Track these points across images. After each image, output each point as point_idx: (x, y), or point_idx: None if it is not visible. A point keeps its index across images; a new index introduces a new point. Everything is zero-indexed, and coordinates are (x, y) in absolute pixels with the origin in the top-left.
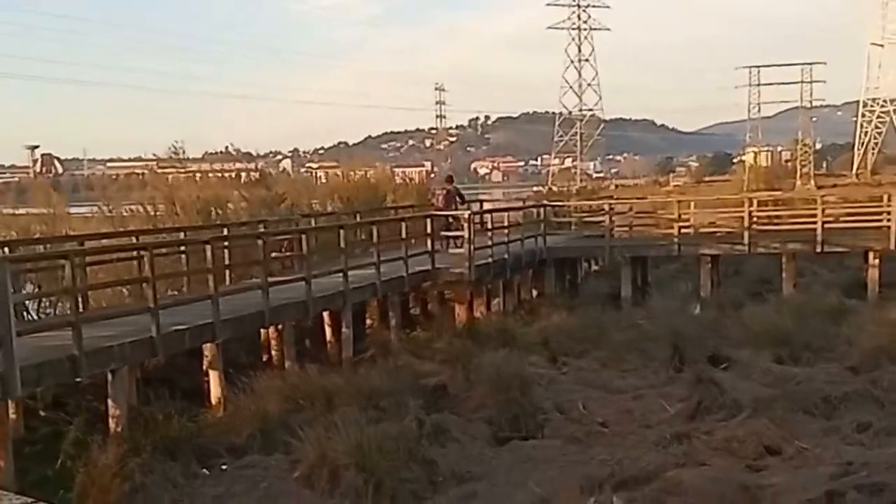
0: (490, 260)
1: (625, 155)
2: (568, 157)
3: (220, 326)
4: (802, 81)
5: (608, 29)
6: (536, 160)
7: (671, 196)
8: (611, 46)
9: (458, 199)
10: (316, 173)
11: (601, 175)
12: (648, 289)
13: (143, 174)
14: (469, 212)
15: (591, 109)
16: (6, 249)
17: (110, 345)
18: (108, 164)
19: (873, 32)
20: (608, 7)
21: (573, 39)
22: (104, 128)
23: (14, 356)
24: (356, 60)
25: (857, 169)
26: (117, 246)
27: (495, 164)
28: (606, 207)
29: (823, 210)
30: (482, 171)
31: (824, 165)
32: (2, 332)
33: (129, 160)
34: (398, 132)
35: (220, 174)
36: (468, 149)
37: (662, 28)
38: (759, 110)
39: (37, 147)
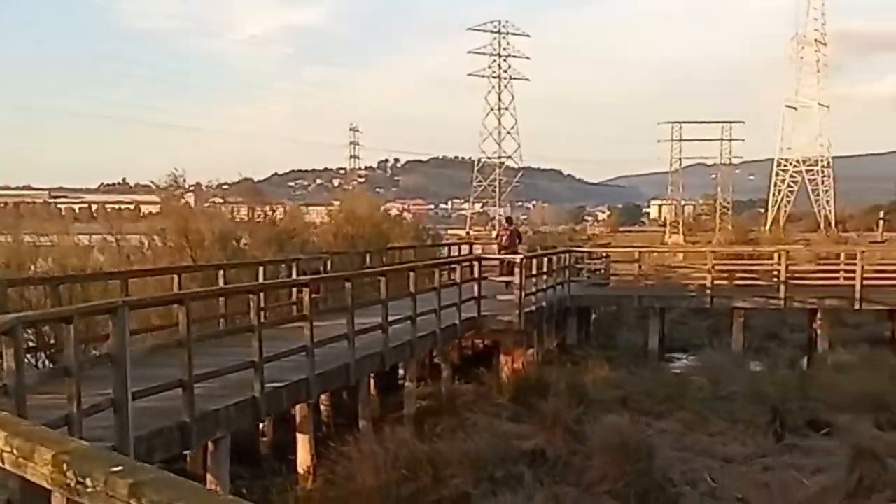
0: (533, 308)
1: (534, 202)
2: (478, 202)
3: (315, 383)
4: (722, 139)
5: (528, 79)
6: (447, 203)
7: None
8: (525, 95)
9: (518, 239)
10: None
11: None
12: (665, 341)
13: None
14: (521, 256)
15: (509, 156)
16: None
17: (216, 408)
18: None
19: (788, 96)
20: (528, 58)
21: (493, 87)
22: None
23: (130, 425)
24: (265, 97)
25: (770, 225)
26: (223, 289)
27: (405, 207)
28: (637, 255)
29: (863, 266)
30: (393, 213)
31: None
32: (118, 394)
33: (19, 188)
34: (305, 170)
35: (222, 205)
36: (377, 190)
37: (574, 81)
38: (680, 164)
39: None
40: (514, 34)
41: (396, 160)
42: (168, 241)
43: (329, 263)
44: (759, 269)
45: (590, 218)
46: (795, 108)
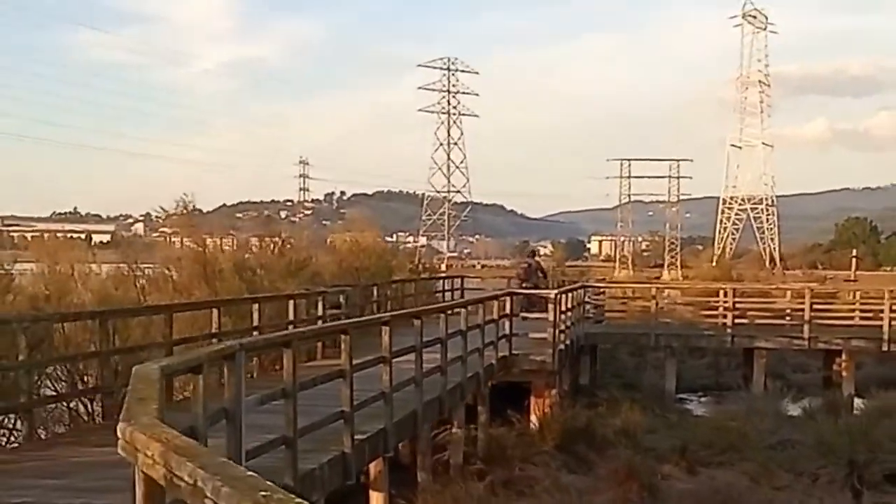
0: (563, 346)
1: (477, 237)
2: (423, 236)
3: (392, 433)
4: (670, 176)
5: (476, 115)
6: (392, 237)
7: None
8: (472, 130)
9: (540, 274)
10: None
11: (455, 255)
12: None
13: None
14: (556, 291)
15: (458, 191)
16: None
17: (313, 468)
18: None
19: (732, 135)
20: (477, 95)
21: (443, 123)
22: None
23: None
24: (216, 129)
25: (717, 262)
26: (322, 329)
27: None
28: (653, 291)
29: (891, 306)
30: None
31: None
32: (233, 455)
33: None
34: (254, 202)
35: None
36: (324, 222)
37: (516, 117)
38: (629, 200)
39: None
40: (463, 71)
41: (343, 193)
42: (183, 272)
43: (346, 297)
44: (775, 308)
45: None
46: (740, 148)
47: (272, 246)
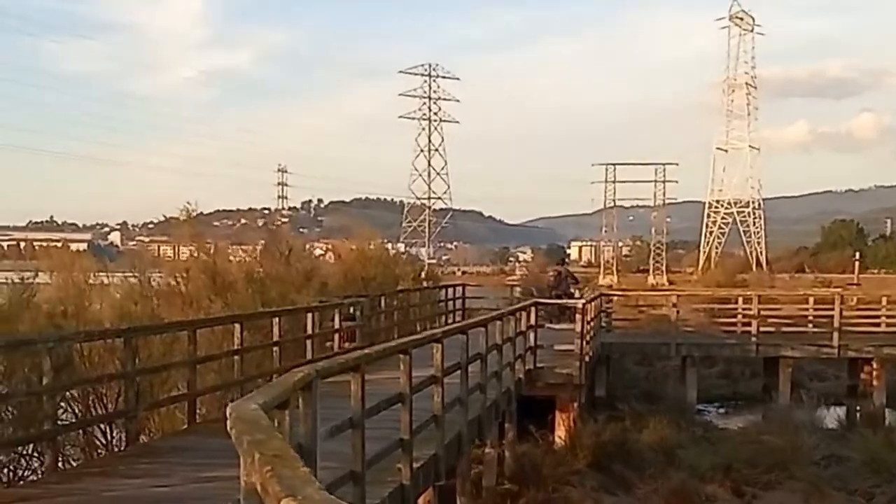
0: (587, 358)
1: (456, 243)
2: (401, 243)
3: (443, 459)
4: (655, 181)
5: (457, 121)
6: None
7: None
8: (452, 137)
9: (571, 280)
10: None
11: (434, 261)
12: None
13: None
14: (583, 300)
15: (439, 197)
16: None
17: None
18: None
19: (718, 139)
20: (458, 101)
21: (424, 129)
22: None
23: None
24: (193, 136)
25: (702, 266)
26: (384, 349)
27: (330, 246)
28: (674, 299)
29: None
30: (318, 253)
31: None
32: None
33: None
34: (230, 210)
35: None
36: (301, 230)
37: (498, 123)
38: (615, 205)
39: None
40: (444, 77)
41: (320, 200)
42: (190, 284)
43: (360, 308)
44: (796, 315)
45: (512, 259)
46: (726, 151)
47: (279, 255)
